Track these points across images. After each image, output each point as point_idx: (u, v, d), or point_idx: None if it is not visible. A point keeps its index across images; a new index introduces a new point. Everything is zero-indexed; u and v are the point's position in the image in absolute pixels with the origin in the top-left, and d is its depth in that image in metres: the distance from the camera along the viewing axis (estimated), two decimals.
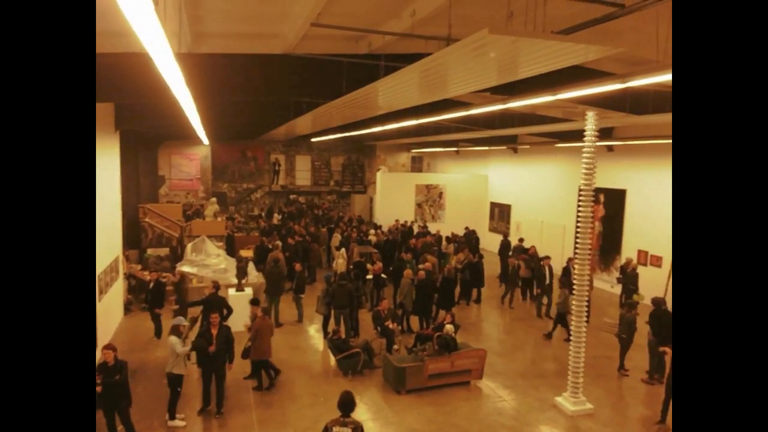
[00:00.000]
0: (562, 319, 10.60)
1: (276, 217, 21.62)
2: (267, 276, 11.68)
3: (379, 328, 9.83)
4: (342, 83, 7.82)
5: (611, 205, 14.97)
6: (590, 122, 7.66)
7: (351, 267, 13.37)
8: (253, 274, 12.89)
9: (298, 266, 11.97)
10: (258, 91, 8.20)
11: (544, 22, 4.78)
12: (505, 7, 5.42)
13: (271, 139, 22.51)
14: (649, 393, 8.45)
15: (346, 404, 4.92)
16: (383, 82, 6.26)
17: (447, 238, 17.02)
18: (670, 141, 11.86)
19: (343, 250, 14.82)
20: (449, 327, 8.93)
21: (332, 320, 10.36)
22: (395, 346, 9.84)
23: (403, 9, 6.10)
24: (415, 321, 11.33)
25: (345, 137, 20.81)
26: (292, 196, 25.47)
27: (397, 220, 19.23)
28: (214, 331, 7.35)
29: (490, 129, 14.28)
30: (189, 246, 14.36)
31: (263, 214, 23.10)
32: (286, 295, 11.93)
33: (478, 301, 13.81)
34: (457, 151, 24.60)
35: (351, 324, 10.56)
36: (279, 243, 14.31)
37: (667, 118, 9.71)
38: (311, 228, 18.46)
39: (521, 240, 15.81)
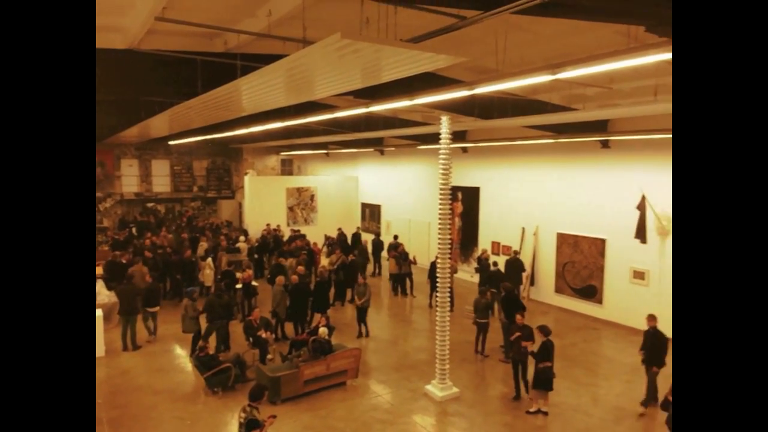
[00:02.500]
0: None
1: (130, 229, 19.59)
2: (119, 294, 10.51)
3: (251, 339, 9.44)
4: (197, 82, 7.34)
5: (468, 202, 16.27)
6: (444, 126, 8.22)
7: (219, 277, 12.64)
8: (104, 294, 11.51)
9: (148, 277, 11.12)
10: (97, 90, 7.32)
11: (396, 30, 4.99)
12: (364, 12, 5.55)
13: (122, 142, 20.33)
14: (505, 371, 9.35)
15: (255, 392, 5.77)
16: (245, 81, 6.01)
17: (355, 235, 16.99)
18: (515, 142, 13.27)
19: (209, 259, 13.96)
20: (323, 330, 8.92)
21: (211, 336, 9.71)
22: (269, 356, 9.53)
23: (259, 8, 5.92)
24: (290, 327, 11.11)
25: (208, 140, 19.62)
26: (149, 205, 23.29)
27: (268, 225, 18.69)
28: None
29: (356, 132, 14.59)
30: None
31: (116, 226, 20.77)
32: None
33: (353, 300, 14.00)
34: (327, 154, 24.70)
35: (221, 337, 9.99)
36: (139, 258, 13.03)
37: (511, 122, 10.83)
38: (183, 235, 17.09)
39: (396, 237, 16.45)
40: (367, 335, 11.23)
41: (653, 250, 11.10)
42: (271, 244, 16.60)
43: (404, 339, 11.27)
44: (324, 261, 15.45)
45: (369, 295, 11.30)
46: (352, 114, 9.99)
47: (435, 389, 8.32)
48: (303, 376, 8.19)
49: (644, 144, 11.18)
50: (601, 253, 12.28)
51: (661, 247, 11.03)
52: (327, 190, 22.11)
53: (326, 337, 8.83)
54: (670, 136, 9.99)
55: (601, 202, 12.22)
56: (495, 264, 12.80)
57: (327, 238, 17.97)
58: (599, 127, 11.62)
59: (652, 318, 7.83)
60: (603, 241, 12.22)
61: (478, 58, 7.86)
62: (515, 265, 13.26)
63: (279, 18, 5.70)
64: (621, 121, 11.40)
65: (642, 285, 11.44)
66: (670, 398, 6.36)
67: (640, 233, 10.85)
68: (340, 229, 18.58)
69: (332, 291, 13.07)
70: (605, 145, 12.08)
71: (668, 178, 10.78)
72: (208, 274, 13.47)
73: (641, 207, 10.84)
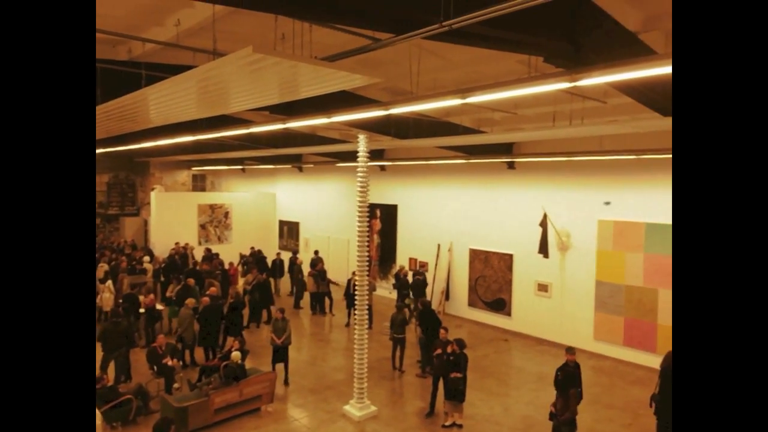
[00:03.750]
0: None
1: None
2: None
3: (155, 367, 8.75)
4: (96, 91, 6.81)
5: (386, 219, 16.52)
6: (362, 144, 8.31)
7: (120, 301, 11.65)
8: None
9: None
10: None
11: (311, 48, 5.00)
12: (278, 28, 5.50)
13: None
14: (423, 386, 9.47)
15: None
16: (154, 91, 5.66)
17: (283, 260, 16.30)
18: (430, 162, 13.75)
19: (109, 282, 12.83)
20: (236, 354, 8.50)
21: (109, 366, 8.83)
22: (176, 385, 8.89)
23: (167, 17, 5.66)
24: (201, 353, 10.47)
25: (110, 152, 18.21)
26: None
27: (177, 243, 17.61)
28: None
29: (274, 148, 14.31)
30: None
31: None
32: None
33: (269, 321, 13.54)
34: (243, 169, 23.94)
35: (122, 367, 9.16)
36: None
37: (426, 142, 11.22)
38: None
39: (316, 252, 16.22)
40: (287, 383, 9.42)
41: (555, 264, 11.95)
42: (179, 264, 15.64)
43: (322, 359, 11.06)
44: (240, 281, 14.85)
45: (290, 331, 9.58)
46: (269, 129, 9.80)
47: (353, 409, 8.22)
48: (213, 404, 7.72)
49: (545, 165, 12.09)
50: (509, 268, 12.99)
51: (561, 261, 11.90)
52: (243, 207, 21.36)
53: (239, 362, 8.42)
54: (569, 158, 10.90)
55: (508, 220, 12.97)
56: (421, 274, 13.20)
57: (242, 256, 17.32)
58: (506, 149, 12.40)
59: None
60: (511, 256, 12.94)
61: (393, 79, 8.09)
62: (421, 280, 13.66)
63: (188, 28, 5.48)
64: (525, 144, 12.25)
65: (545, 297, 12.24)
66: (553, 409, 6.81)
67: (543, 248, 11.63)
68: (253, 247, 18.00)
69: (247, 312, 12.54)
70: (511, 166, 12.89)
71: (566, 197, 11.71)
72: (107, 298, 12.37)
73: (543, 224, 11.65)
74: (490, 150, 12.23)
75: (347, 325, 13.16)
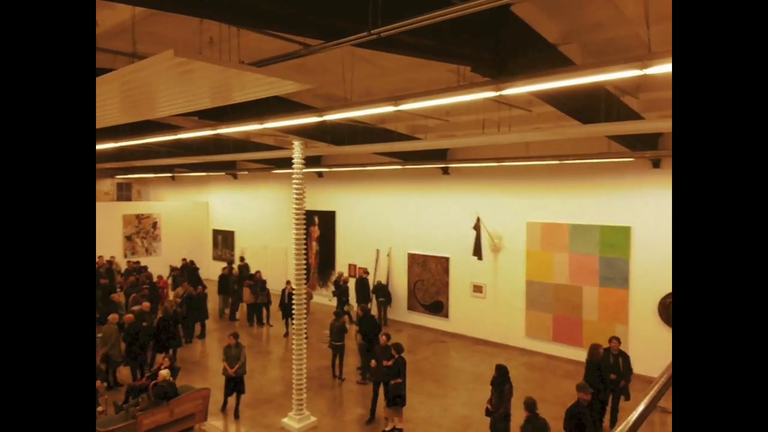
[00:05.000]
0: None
1: None
2: None
3: None
4: None
5: (325, 226, 16.40)
6: (297, 151, 8.21)
7: None
8: None
9: None
10: None
11: (240, 52, 4.88)
12: (205, 31, 5.32)
13: None
14: (363, 393, 9.45)
15: None
16: None
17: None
18: (367, 168, 13.81)
19: None
20: (165, 372, 8.06)
21: None
22: (99, 408, 8.28)
23: None
24: (127, 372, 9.84)
25: None
26: None
27: (100, 257, 16.49)
28: None
29: (205, 154, 13.79)
30: None
31: None
32: None
33: (202, 336, 12.99)
34: (172, 177, 22.87)
35: None
36: None
37: (362, 148, 11.26)
38: None
39: (242, 259, 15.79)
40: (238, 417, 8.54)
41: (488, 265, 12.37)
42: (103, 278, 14.64)
43: (260, 372, 10.75)
44: (170, 294, 14.13)
45: (245, 359, 8.72)
46: (199, 135, 9.44)
47: (292, 421, 8.05)
48: (142, 426, 7.26)
49: (477, 171, 12.52)
50: (446, 271, 13.30)
51: (494, 262, 12.35)
52: (173, 217, 20.38)
53: (169, 379, 7.99)
54: (499, 164, 11.36)
55: (444, 224, 13.29)
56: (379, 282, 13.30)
57: (172, 269, 16.53)
58: (440, 155, 12.72)
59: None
60: (447, 259, 13.26)
61: (327, 86, 8.07)
62: (364, 284, 13.70)
63: (106, 30, 5.17)
64: (458, 150, 12.63)
65: (480, 298, 12.64)
66: (489, 406, 7.04)
67: (477, 251, 12.02)
68: (184, 259, 17.24)
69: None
70: (445, 171, 13.24)
71: (497, 201, 12.19)
72: None
73: (477, 227, 12.04)
74: (426, 156, 12.49)
75: (286, 335, 12.89)
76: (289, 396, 8.35)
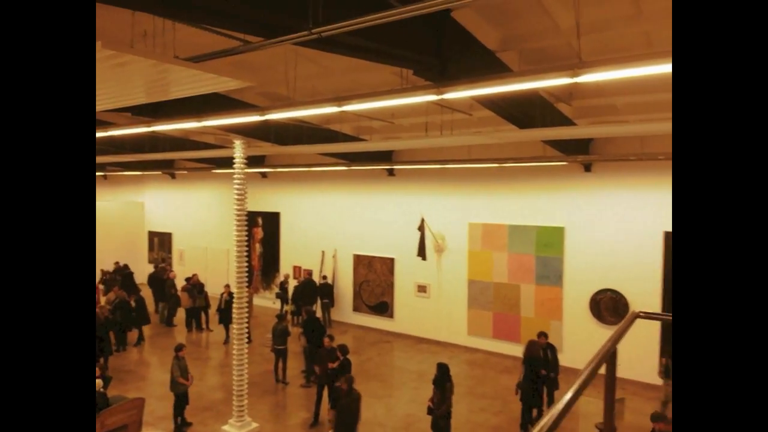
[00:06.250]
0: None
1: None
2: None
3: None
4: None
5: (269, 227, 16.06)
6: (238, 150, 7.99)
7: None
8: None
9: None
10: None
11: (175, 47, 4.69)
12: (138, 24, 5.06)
13: None
14: (307, 396, 9.34)
15: None
16: None
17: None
18: (312, 168, 13.67)
19: None
20: (97, 382, 7.59)
21: None
22: None
23: None
24: None
25: None
26: None
27: None
28: None
29: (139, 153, 13.14)
30: None
31: None
32: None
33: (139, 343, 12.35)
34: (104, 176, 21.60)
35: None
36: None
37: (307, 149, 11.13)
38: None
39: (163, 260, 15.20)
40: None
41: (432, 265, 12.60)
42: None
43: (199, 379, 10.34)
44: (102, 300, 13.33)
45: (182, 377, 8.22)
46: (132, 133, 8.97)
47: (232, 428, 7.81)
48: None
49: (422, 173, 12.72)
50: (391, 271, 13.41)
51: (438, 263, 12.59)
52: (105, 218, 19.20)
53: (101, 390, 7.54)
54: (442, 166, 11.59)
55: (390, 225, 13.40)
56: (324, 277, 13.13)
57: (103, 273, 15.62)
58: (385, 157, 12.81)
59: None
60: (392, 260, 13.37)
61: (269, 84, 7.92)
62: (309, 286, 13.57)
63: None
64: (403, 152, 12.78)
65: (425, 297, 12.85)
66: (431, 404, 7.18)
67: (421, 251, 12.20)
68: (117, 262, 16.35)
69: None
70: (391, 173, 13.35)
71: (441, 202, 12.45)
72: None
73: (421, 228, 12.23)
74: (371, 157, 12.54)
75: (226, 342, 12.48)
76: (230, 403, 8.10)
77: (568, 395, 1.72)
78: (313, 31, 3.52)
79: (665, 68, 3.75)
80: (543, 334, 8.39)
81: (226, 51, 4.36)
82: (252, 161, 13.96)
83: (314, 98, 7.76)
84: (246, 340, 8.03)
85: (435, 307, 12.67)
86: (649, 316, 2.89)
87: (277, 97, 8.66)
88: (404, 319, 13.23)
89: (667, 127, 7.73)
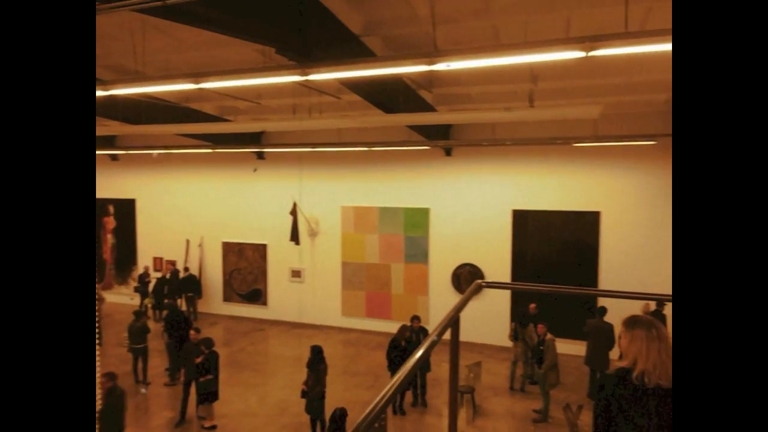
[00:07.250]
0: None
1: None
2: None
3: None
4: None
5: (122, 216, 14.53)
6: None
7: None
8: None
9: None
10: None
11: None
12: None
13: None
14: (173, 395, 8.74)
15: None
16: None
17: None
18: (171, 151, 12.60)
19: None
20: None
21: None
22: None
23: None
24: None
25: None
26: None
27: None
28: None
29: None
30: None
31: None
32: None
33: None
34: None
35: None
36: None
37: (163, 129, 10.19)
38: None
39: None
40: None
41: (306, 249, 12.54)
42: None
43: None
44: None
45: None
46: None
47: None
48: None
49: (293, 156, 12.49)
50: (264, 257, 13.06)
51: (312, 247, 12.56)
52: None
53: None
54: (312, 149, 11.49)
55: (261, 210, 12.98)
56: (186, 269, 12.23)
57: None
58: (255, 139, 12.31)
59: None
60: (264, 246, 13.01)
61: (114, 55, 7.10)
62: (172, 278, 12.71)
63: None
64: (274, 134, 12.39)
65: (299, 282, 12.76)
66: (304, 387, 7.21)
67: (294, 236, 12.04)
68: None
69: None
70: (261, 156, 12.90)
71: (313, 186, 12.38)
72: None
73: (293, 212, 12.06)
74: (238, 139, 11.94)
75: None
76: None
77: (418, 354, 1.82)
78: None
79: (513, 60, 4.12)
80: (416, 318, 8.56)
81: None
82: (99, 142, 12.41)
83: (167, 73, 7.13)
84: (96, 341, 7.22)
85: (310, 291, 12.66)
86: (490, 285, 3.21)
87: (124, 71, 7.79)
88: (278, 306, 13.02)
89: (514, 115, 8.58)
